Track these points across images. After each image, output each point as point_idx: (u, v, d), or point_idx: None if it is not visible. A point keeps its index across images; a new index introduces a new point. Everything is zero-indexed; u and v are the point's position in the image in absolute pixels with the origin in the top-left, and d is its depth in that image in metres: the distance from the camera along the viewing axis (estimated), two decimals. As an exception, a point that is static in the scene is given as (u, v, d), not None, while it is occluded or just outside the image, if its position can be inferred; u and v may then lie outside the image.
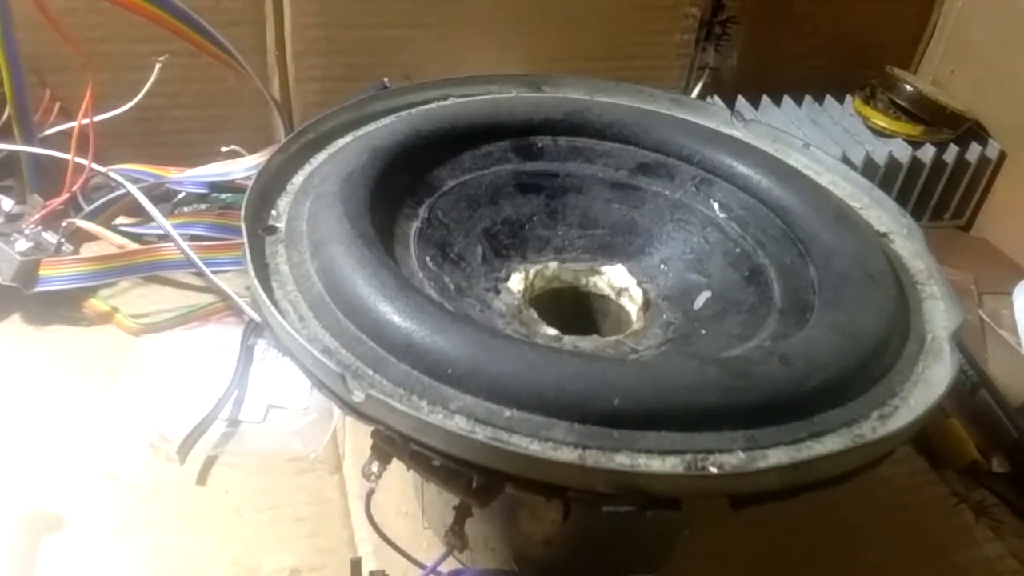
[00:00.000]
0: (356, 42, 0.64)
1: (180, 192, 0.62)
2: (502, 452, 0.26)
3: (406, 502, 0.46)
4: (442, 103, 0.47)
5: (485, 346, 0.29)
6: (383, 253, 0.34)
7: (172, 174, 0.62)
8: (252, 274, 0.33)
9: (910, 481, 0.52)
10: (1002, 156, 0.73)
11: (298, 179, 0.40)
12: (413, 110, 0.46)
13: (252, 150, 0.63)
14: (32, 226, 0.55)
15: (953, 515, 0.50)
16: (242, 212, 0.36)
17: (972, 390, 0.57)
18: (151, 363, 0.52)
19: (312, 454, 0.48)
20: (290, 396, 0.51)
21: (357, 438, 0.49)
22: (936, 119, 0.71)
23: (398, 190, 0.40)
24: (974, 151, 0.72)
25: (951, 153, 0.72)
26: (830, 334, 0.32)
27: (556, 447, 0.27)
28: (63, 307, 0.55)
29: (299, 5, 0.62)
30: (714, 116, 0.49)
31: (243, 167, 0.61)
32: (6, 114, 0.56)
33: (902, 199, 0.73)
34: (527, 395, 0.28)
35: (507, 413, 0.28)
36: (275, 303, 0.32)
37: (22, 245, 0.54)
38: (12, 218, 0.55)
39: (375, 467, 0.36)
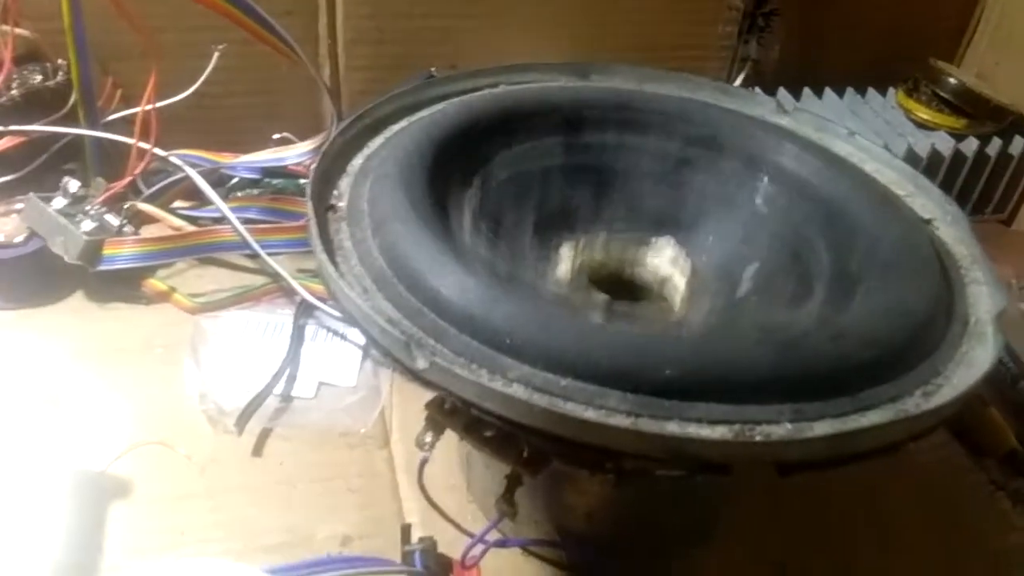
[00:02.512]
0: (405, 32, 0.66)
1: (234, 177, 0.64)
2: (560, 417, 0.28)
3: (453, 475, 0.47)
4: (493, 90, 0.48)
5: (541, 318, 0.31)
6: (442, 229, 0.35)
7: (227, 159, 0.64)
8: (319, 248, 0.34)
9: (949, 468, 0.52)
10: (1046, 149, 0.73)
11: (357, 161, 0.42)
12: (466, 96, 0.47)
13: (302, 137, 0.65)
14: (96, 207, 0.57)
15: (991, 503, 0.50)
16: (308, 191, 0.38)
17: (1012, 381, 0.57)
18: (207, 341, 0.54)
19: (362, 429, 0.50)
20: (340, 374, 0.53)
21: (404, 415, 0.51)
22: (980, 112, 0.71)
23: (454, 171, 0.41)
24: (1017, 144, 0.72)
25: (994, 146, 0.72)
26: (876, 312, 0.33)
27: (610, 414, 0.29)
28: (124, 285, 0.58)
29: (351, -4, 0.64)
30: (760, 105, 0.50)
31: (295, 153, 0.63)
32: (72, 100, 0.58)
33: (945, 191, 0.73)
34: (582, 365, 0.29)
35: (563, 382, 0.29)
36: (341, 275, 0.34)
37: (87, 225, 0.56)
38: (77, 200, 0.57)
39: (428, 437, 0.37)
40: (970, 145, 0.71)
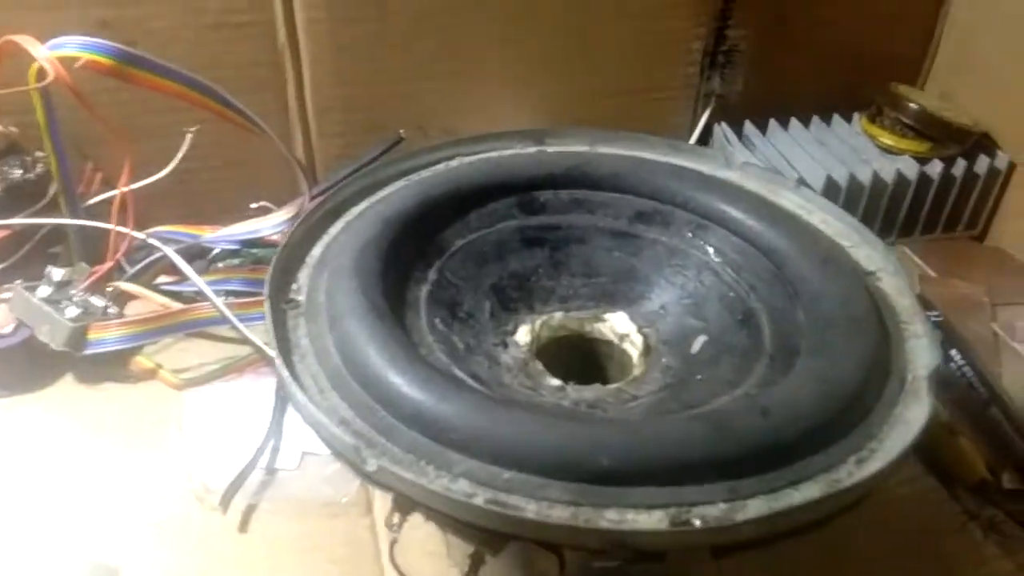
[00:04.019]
0: (373, 98, 0.68)
1: (215, 248, 0.66)
2: (500, 516, 0.29)
3: (432, 542, 0.48)
4: (449, 164, 0.50)
5: (485, 413, 0.32)
6: (394, 324, 0.37)
7: (206, 233, 0.66)
8: (275, 349, 0.36)
9: (921, 499, 0.53)
10: (1011, 167, 0.74)
11: (317, 251, 0.44)
12: (422, 173, 0.49)
13: (281, 203, 0.67)
14: (80, 292, 0.59)
15: (963, 533, 0.51)
16: (265, 287, 0.39)
17: (983, 406, 0.58)
18: (194, 416, 0.56)
19: (344, 499, 0.51)
20: (322, 443, 0.55)
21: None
22: (942, 135, 0.72)
23: (409, 256, 0.43)
24: (983, 163, 0.73)
25: (959, 167, 0.73)
26: (811, 383, 0.35)
27: (551, 506, 0.30)
28: (111, 366, 0.59)
29: (317, 68, 0.66)
30: (710, 160, 0.52)
31: (271, 223, 0.65)
32: (53, 190, 0.60)
33: (913, 214, 0.74)
34: (523, 458, 0.31)
35: (506, 475, 0.31)
36: (296, 377, 0.35)
37: (72, 312, 0.58)
38: (61, 286, 0.59)
39: (396, 519, 0.39)
40: (935, 168, 0.72)
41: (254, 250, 0.66)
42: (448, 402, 0.32)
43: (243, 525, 0.50)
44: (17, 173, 0.60)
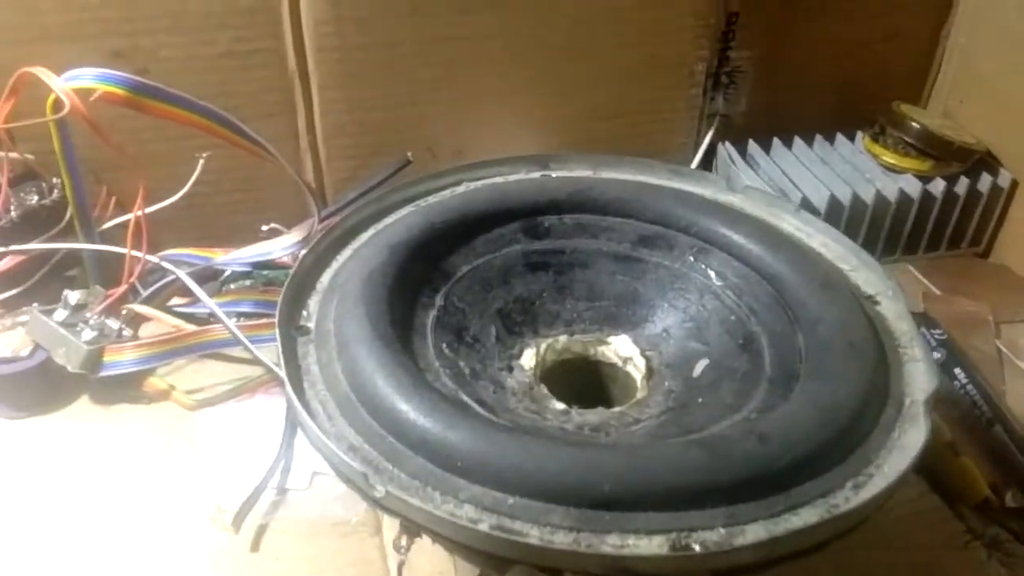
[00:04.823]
0: (381, 122, 0.69)
1: (226, 270, 0.67)
2: (504, 542, 0.30)
3: (440, 562, 0.49)
4: (455, 189, 0.51)
5: (489, 440, 0.33)
6: (401, 351, 0.38)
7: (218, 256, 0.67)
8: (284, 377, 0.37)
9: (924, 519, 0.54)
10: (1014, 184, 0.74)
11: (326, 277, 0.45)
12: (428, 200, 0.50)
13: (290, 224, 0.68)
14: (95, 315, 0.60)
15: (966, 552, 0.52)
16: (276, 315, 0.40)
17: (987, 425, 0.59)
18: (206, 436, 0.57)
19: (354, 518, 0.52)
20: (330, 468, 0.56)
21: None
22: (944, 154, 0.72)
23: (415, 282, 0.44)
24: (985, 181, 0.74)
25: (962, 185, 0.73)
26: (808, 408, 0.35)
27: (553, 531, 0.31)
28: (125, 387, 0.61)
29: (326, 94, 0.67)
30: (711, 184, 0.52)
31: (281, 246, 0.66)
32: (68, 215, 0.62)
33: (917, 232, 0.75)
34: (527, 484, 0.32)
35: (510, 500, 0.32)
36: (306, 404, 0.36)
37: (87, 334, 0.59)
38: (77, 309, 0.60)
39: (404, 541, 0.40)
40: (938, 186, 0.73)
41: (264, 272, 0.68)
42: (454, 429, 0.33)
43: (255, 545, 0.51)
44: (34, 199, 0.62)
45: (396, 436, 0.34)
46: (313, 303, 0.43)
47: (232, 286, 0.67)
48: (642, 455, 0.33)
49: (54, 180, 0.63)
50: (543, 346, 0.46)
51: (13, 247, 0.59)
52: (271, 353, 0.60)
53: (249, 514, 0.52)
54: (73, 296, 0.60)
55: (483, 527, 0.30)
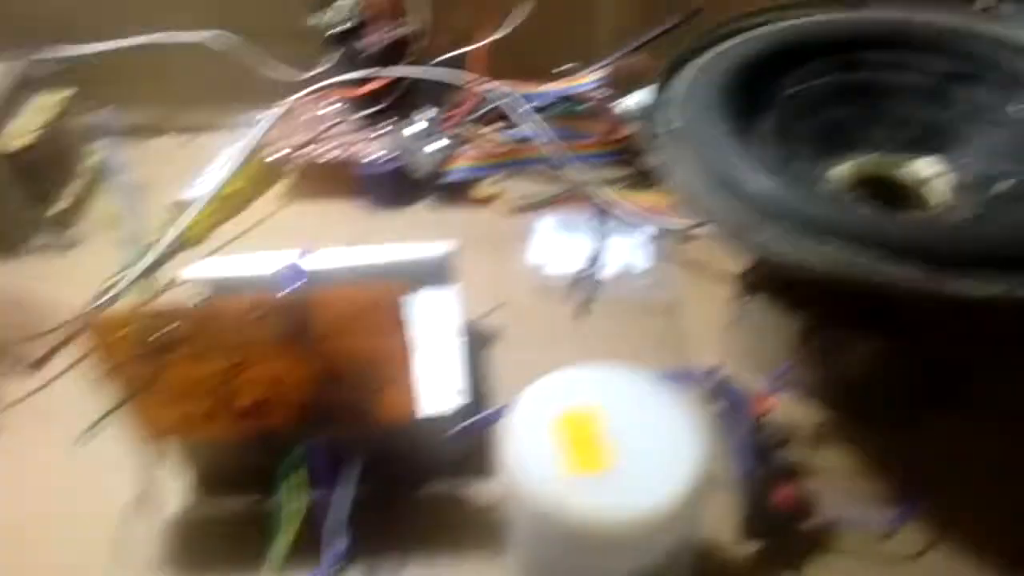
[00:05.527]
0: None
1: (533, 103, 0.78)
2: (870, 272, 0.39)
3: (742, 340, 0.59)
4: (777, 24, 0.58)
5: (844, 210, 0.42)
6: (751, 146, 0.47)
7: (528, 89, 0.78)
8: (659, 159, 0.47)
9: None
10: None
11: (679, 87, 0.53)
12: (758, 31, 0.57)
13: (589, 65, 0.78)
14: (438, 132, 0.73)
15: None
16: (642, 117, 0.50)
17: None
18: (531, 235, 0.69)
19: (658, 304, 0.63)
20: (637, 261, 0.67)
21: (693, 293, 0.64)
22: None
23: (750, 100, 0.52)
24: None
25: None
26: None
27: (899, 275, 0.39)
28: (459, 194, 0.74)
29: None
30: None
31: (584, 84, 0.76)
32: (418, 46, 0.74)
33: None
34: (879, 242, 0.40)
35: (862, 257, 0.40)
36: (678, 182, 0.46)
37: (433, 147, 0.72)
38: (425, 126, 0.73)
39: (741, 299, 0.50)
40: None
41: (570, 105, 0.78)
42: (813, 202, 0.42)
43: (578, 314, 0.63)
44: (393, 32, 0.74)
45: (760, 211, 0.43)
46: (668, 108, 0.52)
47: (542, 116, 0.78)
48: (980, 225, 0.41)
49: (406, 16, 0.75)
50: (853, 165, 0.53)
51: (382, 72, 0.73)
52: (583, 172, 0.71)
53: (574, 291, 0.64)
54: (422, 114, 0.73)
55: (846, 265, 0.39)
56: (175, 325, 0.41)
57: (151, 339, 0.42)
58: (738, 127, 0.49)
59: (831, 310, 0.45)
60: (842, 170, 0.53)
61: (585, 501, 0.37)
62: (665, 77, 0.53)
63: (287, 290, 0.49)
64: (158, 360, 0.42)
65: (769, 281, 0.47)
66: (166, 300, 0.65)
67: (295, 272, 0.50)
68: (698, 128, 0.49)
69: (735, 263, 0.64)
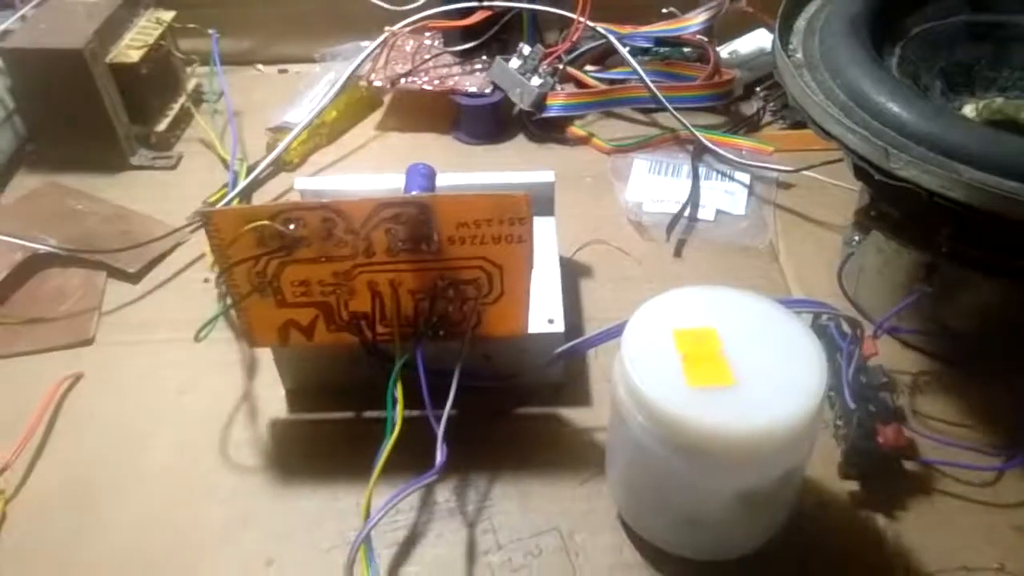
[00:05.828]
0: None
1: (628, 46, 0.77)
2: (1015, 202, 0.38)
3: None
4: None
5: (985, 135, 0.41)
6: (887, 73, 0.46)
7: (627, 31, 0.77)
8: (795, 85, 0.46)
9: None
10: None
11: (800, 23, 0.53)
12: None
13: (684, 11, 0.77)
14: (543, 67, 0.73)
15: None
16: (773, 46, 0.49)
17: None
18: (625, 174, 0.69)
19: (760, 246, 0.63)
20: (733, 205, 0.66)
21: (788, 239, 0.63)
22: None
23: (880, 33, 0.51)
24: None
25: None
26: None
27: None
28: (553, 130, 0.74)
29: None
30: None
31: (688, 26, 0.75)
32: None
33: None
34: (1011, 167, 0.39)
35: (1008, 183, 0.39)
36: (816, 105, 0.45)
37: (536, 81, 0.72)
38: (528, 60, 0.73)
39: (856, 237, 0.49)
40: None
41: (663, 49, 0.77)
42: (955, 126, 0.41)
43: (677, 252, 0.63)
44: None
45: (899, 132, 0.43)
46: (795, 40, 0.51)
47: (634, 59, 0.77)
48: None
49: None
50: (980, 105, 0.52)
51: (480, 3, 0.72)
52: (680, 116, 0.70)
53: (669, 233, 0.64)
54: (526, 49, 0.73)
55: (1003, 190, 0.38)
56: (300, 221, 0.42)
57: (272, 235, 0.42)
58: (876, 56, 0.48)
59: (956, 247, 0.44)
60: (966, 111, 0.51)
61: (708, 413, 0.37)
62: (790, 7, 0.52)
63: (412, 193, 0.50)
64: (276, 261, 0.43)
65: (889, 217, 0.46)
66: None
67: (422, 174, 0.50)
68: (834, 56, 0.48)
69: (834, 210, 0.63)
